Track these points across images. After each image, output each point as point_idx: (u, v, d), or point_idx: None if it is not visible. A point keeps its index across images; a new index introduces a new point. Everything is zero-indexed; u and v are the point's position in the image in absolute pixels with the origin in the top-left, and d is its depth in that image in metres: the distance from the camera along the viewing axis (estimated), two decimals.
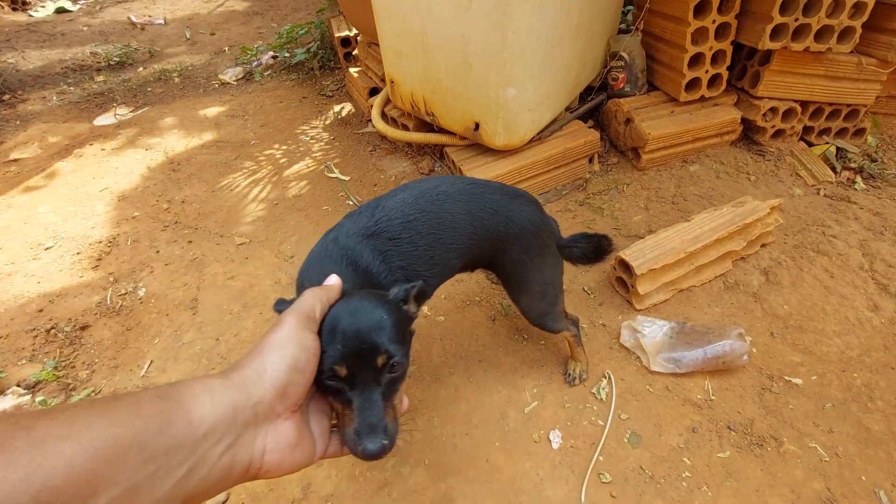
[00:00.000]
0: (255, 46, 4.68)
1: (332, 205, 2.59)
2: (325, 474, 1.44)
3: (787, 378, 1.68)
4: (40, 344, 1.89)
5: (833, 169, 2.57)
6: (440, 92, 2.33)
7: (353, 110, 3.47)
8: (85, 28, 5.59)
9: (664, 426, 1.56)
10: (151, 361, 1.80)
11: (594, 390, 1.66)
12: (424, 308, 1.95)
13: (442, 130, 2.59)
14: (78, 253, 2.34)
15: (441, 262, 1.21)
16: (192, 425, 0.47)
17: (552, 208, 2.43)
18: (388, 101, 2.90)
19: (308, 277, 1.11)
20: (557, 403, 1.62)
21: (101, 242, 2.40)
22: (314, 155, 3.02)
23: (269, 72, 4.30)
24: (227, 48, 4.90)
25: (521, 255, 1.30)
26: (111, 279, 2.18)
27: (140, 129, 3.45)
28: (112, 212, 2.62)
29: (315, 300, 0.69)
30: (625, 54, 2.55)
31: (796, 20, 2.20)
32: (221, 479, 0.51)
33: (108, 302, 2.06)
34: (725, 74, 2.46)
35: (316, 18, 4.31)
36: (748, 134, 2.66)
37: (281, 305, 0.80)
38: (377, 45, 2.93)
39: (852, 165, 2.60)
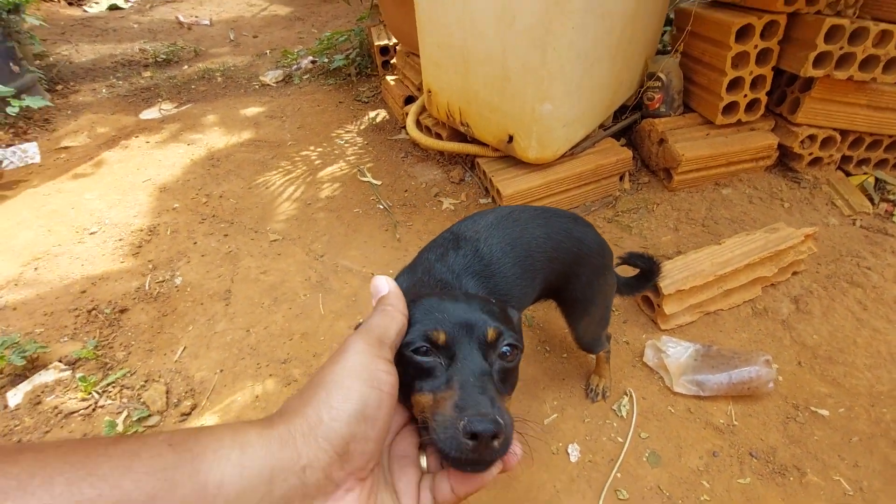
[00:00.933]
0: (296, 51, 4.83)
1: (362, 207, 2.65)
2: None
3: (813, 408, 1.65)
4: (81, 323, 1.98)
5: (871, 200, 2.52)
6: (476, 104, 2.38)
7: (387, 117, 3.56)
8: (135, 25, 5.85)
9: (684, 448, 1.55)
10: (185, 347, 1.88)
11: (615, 407, 1.66)
12: None
13: (475, 141, 2.63)
14: (120, 239, 2.45)
15: (529, 289, 1.20)
16: (206, 491, 0.34)
17: None
18: (423, 110, 2.96)
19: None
20: (577, 417, 1.63)
21: (142, 231, 2.51)
22: (348, 158, 3.10)
23: (308, 76, 4.43)
24: (268, 51, 5.07)
25: (591, 277, 1.32)
26: (150, 266, 2.27)
27: (183, 125, 3.60)
28: (154, 202, 2.74)
29: (389, 319, 0.50)
30: (662, 75, 2.56)
31: (841, 48, 2.19)
32: None
33: (147, 288, 2.15)
34: (764, 99, 2.45)
35: (356, 27, 4.44)
36: (784, 160, 2.64)
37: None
38: (416, 55, 3.01)
39: (891, 197, 2.55)
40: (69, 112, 3.80)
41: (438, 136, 2.82)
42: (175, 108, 3.92)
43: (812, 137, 2.50)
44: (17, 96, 3.29)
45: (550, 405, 1.67)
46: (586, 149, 2.51)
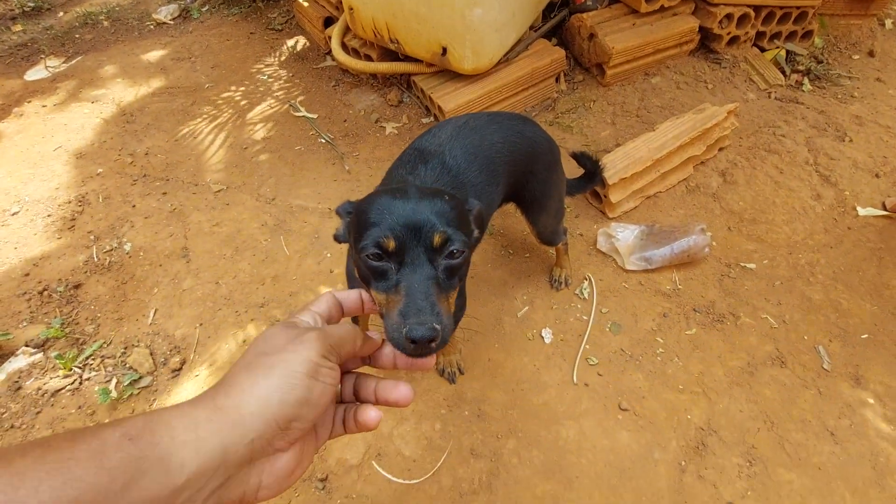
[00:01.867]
0: None
1: (303, 144, 2.57)
2: None
3: (742, 264, 1.90)
4: (36, 306, 1.89)
5: (783, 72, 2.71)
6: (403, 16, 2.28)
7: (307, 44, 3.32)
8: None
9: (640, 315, 1.76)
10: (156, 310, 1.85)
11: (577, 292, 1.83)
12: None
13: (408, 59, 2.55)
14: (49, 215, 2.27)
15: (495, 194, 1.26)
16: (171, 475, 0.39)
17: None
18: (346, 31, 2.80)
19: None
20: (546, 306, 1.80)
21: (70, 203, 2.33)
22: (275, 94, 2.92)
23: (207, 7, 3.98)
24: None
25: (545, 174, 1.40)
26: (92, 237, 2.15)
27: (79, 81, 3.21)
28: (73, 171, 2.51)
29: (349, 337, 0.55)
30: None
31: None
32: None
33: (96, 259, 2.05)
34: None
35: None
36: (705, 43, 2.75)
37: (347, 207, 0.74)
38: None
39: (800, 68, 2.75)
40: None
41: (368, 58, 2.70)
42: (63, 63, 3.46)
43: (729, 17, 2.60)
44: None
45: (521, 300, 1.82)
46: (520, 53, 2.50)
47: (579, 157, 1.76)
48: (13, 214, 2.29)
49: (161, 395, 1.62)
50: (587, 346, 1.67)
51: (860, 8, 2.93)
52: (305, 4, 3.20)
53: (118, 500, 0.36)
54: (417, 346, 0.55)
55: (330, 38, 2.81)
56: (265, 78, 3.05)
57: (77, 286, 1.96)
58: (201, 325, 1.80)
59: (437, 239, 0.63)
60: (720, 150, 2.26)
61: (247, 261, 2.00)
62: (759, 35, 2.77)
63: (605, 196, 2.01)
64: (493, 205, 1.31)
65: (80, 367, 1.70)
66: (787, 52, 2.80)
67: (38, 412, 1.56)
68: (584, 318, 1.76)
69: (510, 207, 2.09)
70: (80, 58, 3.47)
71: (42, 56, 3.52)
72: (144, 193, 2.34)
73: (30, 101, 3.04)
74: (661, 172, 2.06)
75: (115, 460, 0.37)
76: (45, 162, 2.58)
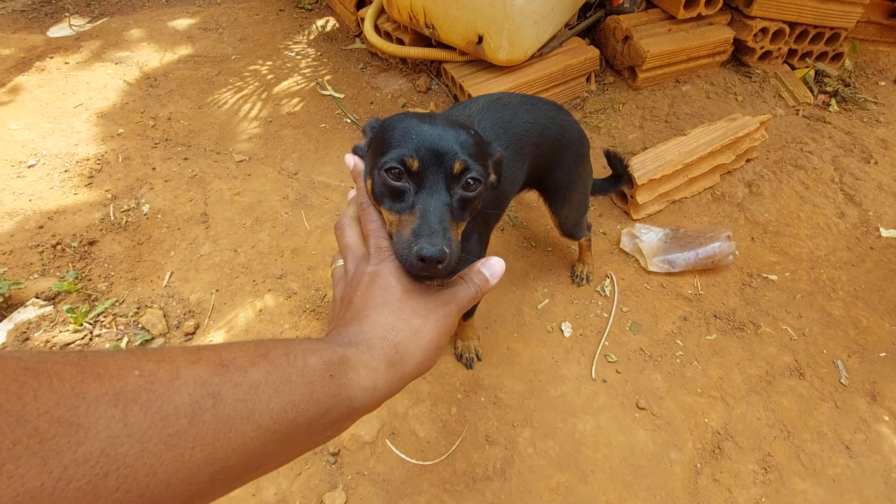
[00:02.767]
0: None
1: (329, 122, 2.55)
2: None
3: (764, 275, 1.89)
4: (48, 259, 1.86)
5: (811, 91, 2.71)
6: (442, 1, 2.27)
7: (337, 25, 3.30)
8: None
9: (660, 316, 1.75)
10: (171, 273, 1.83)
11: (598, 289, 1.82)
12: None
13: (441, 45, 2.53)
14: (66, 171, 2.24)
15: (519, 172, 1.25)
16: (351, 411, 0.47)
17: None
18: (380, 13, 2.78)
19: None
20: (566, 300, 1.78)
21: (88, 160, 2.30)
22: (303, 72, 2.90)
23: None
24: None
25: (572, 165, 1.38)
26: (109, 196, 2.12)
27: (104, 42, 3.18)
28: (93, 128, 2.49)
29: (473, 295, 0.62)
30: None
31: None
32: None
33: (113, 218, 2.02)
34: None
35: None
36: (737, 55, 2.75)
37: (374, 123, 0.75)
38: None
39: (828, 89, 2.75)
40: None
41: (400, 42, 2.68)
42: (88, 23, 3.43)
43: (764, 31, 2.60)
44: None
45: (542, 293, 1.80)
46: (554, 49, 2.49)
47: (611, 157, 1.74)
48: (30, 167, 2.26)
49: None
50: (606, 343, 1.66)
51: (892, 35, 2.94)
52: None
53: (316, 425, 0.44)
54: (425, 265, 0.57)
55: (362, 19, 2.80)
56: (293, 55, 3.03)
57: (92, 243, 1.94)
58: (217, 291, 1.77)
59: (457, 166, 0.64)
60: (748, 161, 2.26)
61: (266, 232, 1.98)
62: (791, 53, 2.77)
63: (632, 196, 2.00)
64: (517, 183, 1.29)
65: (90, 324, 1.68)
66: (816, 72, 2.81)
67: None
68: (605, 315, 1.74)
69: (534, 199, 2.09)
70: (105, 19, 3.44)
71: (66, 14, 3.49)
72: (165, 157, 2.31)
73: (52, 57, 3.01)
74: (688, 178, 2.06)
75: (321, 393, 0.44)
76: (65, 118, 2.55)
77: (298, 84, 2.80)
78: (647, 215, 2.07)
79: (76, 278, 1.76)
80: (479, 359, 1.59)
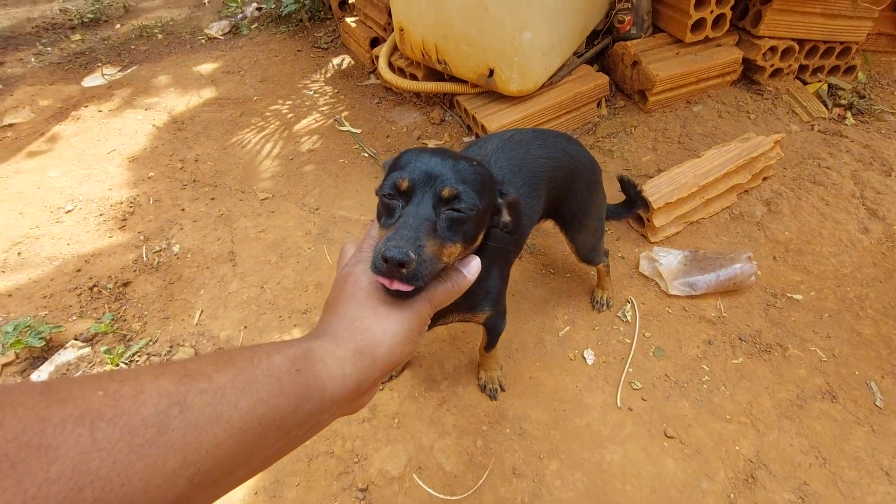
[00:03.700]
0: None
1: (347, 157, 2.63)
2: (388, 397, 1.59)
3: (788, 295, 1.87)
4: (86, 301, 1.95)
5: (825, 105, 2.70)
6: (453, 38, 2.35)
7: (352, 62, 3.43)
8: None
9: (684, 341, 1.74)
10: (202, 311, 1.89)
11: (619, 314, 1.82)
12: None
13: (453, 79, 2.61)
14: (101, 214, 2.35)
15: (536, 207, 1.29)
16: (324, 401, 0.48)
17: None
18: (394, 51, 2.89)
19: None
20: (587, 327, 1.79)
21: (122, 203, 2.42)
22: (321, 109, 3.02)
23: (257, 25, 4.16)
24: (206, 0, 4.69)
25: (584, 193, 1.42)
26: (142, 238, 2.22)
27: (134, 89, 3.37)
28: (126, 173, 2.62)
29: (450, 290, 0.65)
30: None
31: None
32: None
33: (145, 259, 2.11)
34: (729, 14, 2.53)
35: None
36: (747, 74, 2.76)
37: (390, 161, 0.78)
38: None
39: (843, 102, 2.74)
40: (0, 86, 3.47)
41: (414, 77, 2.77)
42: (119, 71, 3.64)
43: (773, 49, 2.62)
44: None
45: (562, 320, 1.81)
46: (564, 77, 2.55)
47: (624, 183, 1.77)
48: (67, 212, 2.38)
49: None
50: (630, 370, 1.65)
51: None
52: (353, 25, 3.32)
53: (289, 420, 0.45)
54: (388, 267, 0.56)
55: (377, 57, 2.91)
56: (311, 93, 3.15)
57: (126, 284, 2.02)
58: (245, 327, 1.83)
59: (446, 191, 0.66)
60: (764, 179, 2.25)
61: (290, 267, 2.04)
62: (802, 68, 2.78)
63: (649, 220, 2.01)
64: (534, 217, 1.33)
65: (126, 363, 1.74)
66: (829, 85, 2.80)
67: None
68: (627, 341, 1.74)
69: (551, 227, 2.11)
70: (135, 67, 3.65)
71: (99, 64, 3.71)
72: (193, 198, 2.42)
73: (86, 106, 3.19)
74: (705, 199, 2.06)
75: (289, 387, 0.45)
76: (99, 163, 2.69)
77: (317, 121, 2.91)
78: (665, 238, 2.07)
79: (112, 319, 1.84)
80: (502, 389, 1.60)
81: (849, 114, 2.67)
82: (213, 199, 2.41)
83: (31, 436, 0.30)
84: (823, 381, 1.62)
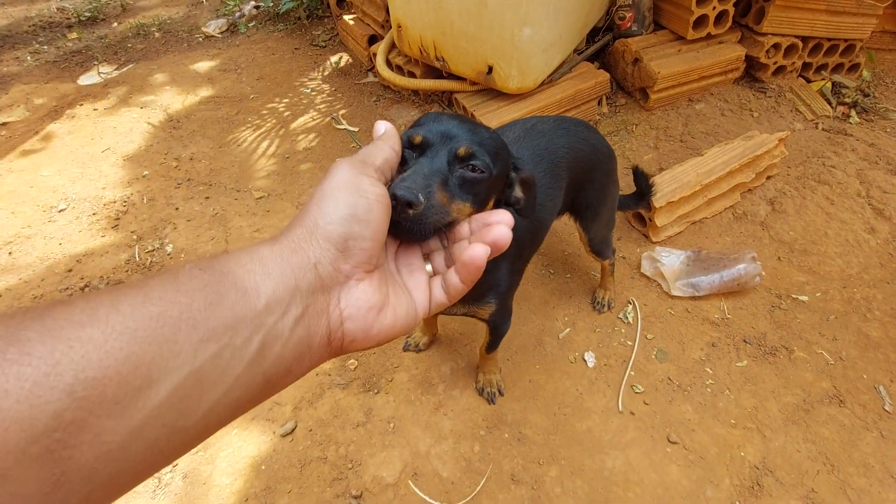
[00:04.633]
0: None
1: (345, 156, 2.58)
2: (383, 400, 1.55)
3: (794, 296, 1.83)
4: None
5: (829, 103, 2.66)
6: (452, 35, 2.31)
7: (350, 60, 3.40)
8: None
9: (687, 343, 1.70)
10: None
11: (621, 315, 1.78)
12: None
13: (451, 76, 2.57)
14: (94, 213, 2.32)
15: (557, 198, 1.26)
16: (249, 297, 0.39)
17: None
18: (391, 48, 2.85)
19: None
20: (588, 329, 1.75)
21: (115, 202, 2.38)
22: (318, 107, 2.98)
23: (254, 23, 4.12)
24: None
25: (603, 181, 1.40)
26: (135, 237, 2.18)
27: (130, 88, 3.33)
28: (120, 172, 2.58)
29: (376, 148, 0.54)
30: None
31: None
32: (303, 356, 0.43)
33: (137, 259, 2.07)
34: (732, 11, 2.49)
35: None
36: (750, 72, 2.72)
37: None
38: None
39: (847, 100, 2.70)
40: None
41: (412, 75, 2.74)
42: (115, 70, 3.60)
43: (776, 46, 2.58)
44: None
45: (562, 321, 1.77)
46: (564, 75, 2.51)
47: (638, 175, 1.74)
48: (60, 211, 2.35)
49: None
50: (632, 373, 1.61)
51: None
52: (351, 23, 3.28)
53: (204, 318, 0.36)
54: (397, 204, 0.53)
55: (374, 55, 2.87)
56: (308, 91, 3.12)
57: (118, 284, 1.98)
58: None
59: (462, 150, 0.64)
60: (768, 178, 2.21)
61: None
62: (806, 66, 2.74)
63: (651, 219, 1.97)
64: (555, 207, 1.29)
65: None
66: (834, 83, 2.76)
67: None
68: (629, 343, 1.70)
69: (556, 222, 2.08)
70: (131, 66, 3.61)
71: (95, 63, 3.67)
72: (188, 197, 2.38)
73: (81, 105, 3.15)
74: (707, 198, 2.02)
75: (191, 285, 0.37)
76: (93, 162, 2.65)
77: (314, 119, 2.87)
78: (667, 237, 2.03)
79: None
80: (501, 393, 1.56)
81: (853, 112, 2.63)
82: (207, 197, 2.37)
83: None
84: (830, 385, 1.58)
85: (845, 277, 1.88)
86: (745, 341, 1.69)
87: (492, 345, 1.42)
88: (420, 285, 0.55)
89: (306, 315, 0.43)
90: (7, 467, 0.26)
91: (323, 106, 2.98)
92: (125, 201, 2.38)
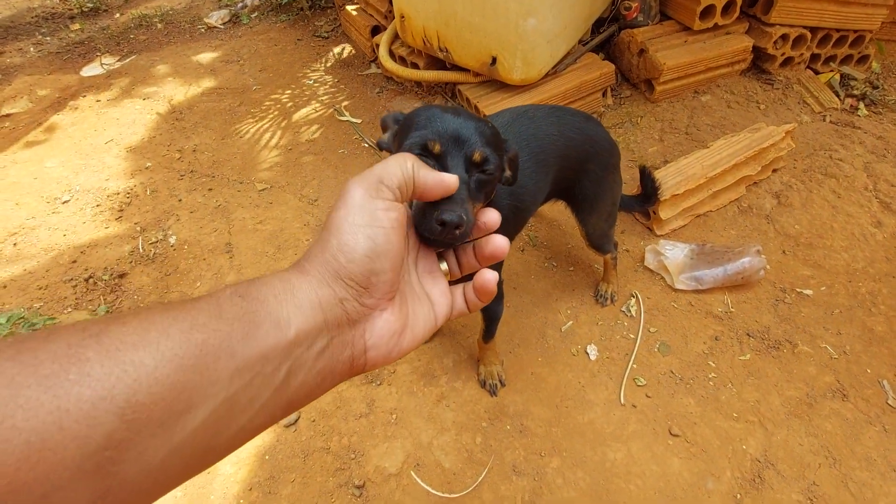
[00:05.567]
0: None
1: (347, 148, 2.59)
2: (385, 392, 1.56)
3: (798, 290, 1.82)
4: (81, 293, 1.92)
5: (837, 96, 2.63)
6: (455, 25, 2.29)
7: (353, 51, 3.38)
8: None
9: (690, 336, 1.69)
10: None
11: (624, 309, 1.78)
12: None
13: (455, 67, 2.55)
14: (98, 205, 2.32)
15: (542, 183, 1.26)
16: (281, 329, 0.41)
17: None
18: (394, 39, 2.83)
19: None
20: (591, 322, 1.74)
21: (118, 194, 2.38)
22: (321, 99, 2.97)
23: (257, 13, 4.10)
24: None
25: (600, 173, 1.38)
26: (138, 228, 2.18)
27: (133, 79, 3.32)
28: (123, 163, 2.58)
29: (394, 165, 0.52)
30: None
31: None
32: (324, 381, 0.45)
33: (141, 250, 2.08)
34: (739, 1, 2.45)
35: None
36: (757, 63, 2.69)
37: (397, 116, 0.76)
38: None
39: (855, 93, 2.66)
40: None
41: (415, 66, 2.72)
42: (118, 61, 3.59)
43: (784, 37, 2.54)
44: None
45: (565, 314, 1.77)
46: (568, 66, 2.49)
47: (644, 175, 1.73)
48: (64, 202, 2.35)
49: None
50: (634, 366, 1.61)
51: None
52: (354, 13, 3.26)
53: (242, 348, 0.38)
54: (444, 230, 0.56)
55: (377, 45, 2.85)
56: (311, 83, 3.10)
57: (122, 275, 1.99)
58: None
59: (477, 155, 0.67)
60: (774, 171, 2.19)
61: (288, 259, 2.00)
62: (814, 57, 2.70)
63: (655, 212, 1.96)
64: (540, 192, 1.29)
65: None
66: (842, 75, 2.72)
67: None
68: (631, 336, 1.70)
69: (556, 216, 2.07)
70: (134, 57, 3.60)
71: (98, 54, 3.66)
72: (191, 188, 2.38)
73: (85, 96, 3.15)
74: (712, 191, 2.00)
75: (232, 313, 0.39)
76: (96, 153, 2.66)
77: (317, 111, 2.86)
78: (672, 230, 2.02)
79: (107, 311, 1.81)
80: (502, 384, 1.56)
81: (862, 104, 2.60)
82: (210, 189, 2.37)
83: None
84: (834, 379, 1.57)
85: (851, 271, 1.86)
86: (748, 335, 1.69)
87: (487, 331, 1.43)
88: (442, 291, 0.57)
89: (331, 346, 0.45)
90: (64, 479, 0.29)
91: (326, 97, 2.97)
92: (129, 193, 2.38)
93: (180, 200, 2.32)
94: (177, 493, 1.39)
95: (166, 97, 3.08)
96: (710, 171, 1.94)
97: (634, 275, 1.89)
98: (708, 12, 2.48)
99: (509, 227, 1.26)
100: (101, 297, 1.91)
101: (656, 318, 1.74)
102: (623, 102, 2.63)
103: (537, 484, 1.36)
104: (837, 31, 2.59)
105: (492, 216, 0.62)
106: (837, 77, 2.70)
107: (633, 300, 1.80)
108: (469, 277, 0.59)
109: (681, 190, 1.89)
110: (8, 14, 4.39)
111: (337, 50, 3.41)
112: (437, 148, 0.65)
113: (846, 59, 2.74)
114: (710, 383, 1.57)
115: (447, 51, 2.44)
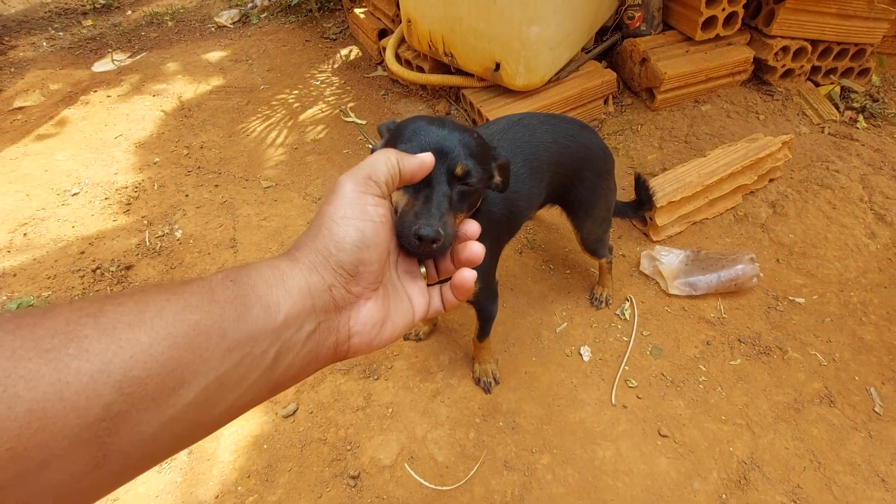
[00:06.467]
0: None
1: (351, 148, 2.63)
2: (382, 386, 1.60)
3: (790, 298, 1.85)
4: (89, 283, 1.97)
5: (837, 108, 2.66)
6: (461, 31, 2.34)
7: (360, 54, 3.43)
8: None
9: (682, 340, 1.72)
10: None
11: (618, 312, 1.81)
12: None
13: (459, 72, 2.60)
14: (106, 198, 2.37)
15: (536, 189, 1.30)
16: (271, 312, 0.43)
17: None
18: (401, 43, 2.88)
19: None
20: (585, 324, 1.78)
21: (127, 188, 2.43)
22: (327, 99, 3.02)
23: (266, 14, 4.16)
24: None
25: (594, 180, 1.42)
26: (145, 222, 2.23)
27: (143, 76, 3.38)
28: (132, 158, 2.63)
29: (381, 161, 0.54)
30: None
31: None
32: (309, 364, 0.48)
33: (148, 243, 2.13)
34: (741, 13, 2.49)
35: None
36: (758, 74, 2.72)
37: (389, 125, 0.80)
38: None
39: (855, 105, 2.69)
40: (12, 70, 3.50)
41: (420, 70, 2.76)
42: (129, 57, 3.66)
43: (785, 49, 2.58)
44: None
45: (560, 316, 1.81)
46: (571, 73, 2.53)
47: (639, 183, 1.76)
48: (74, 195, 2.41)
49: None
50: (626, 368, 1.65)
51: None
52: (362, 16, 3.31)
53: (233, 329, 0.40)
54: (422, 244, 0.60)
55: (384, 48, 2.90)
56: (318, 83, 3.15)
57: (128, 267, 2.04)
58: None
59: (459, 168, 0.70)
60: (771, 180, 2.22)
61: None
62: (815, 69, 2.74)
63: (651, 219, 1.99)
64: (534, 197, 1.33)
65: None
66: (842, 88, 2.76)
67: None
68: (625, 339, 1.73)
69: (553, 221, 2.10)
70: (144, 54, 3.66)
71: (109, 50, 3.73)
72: (197, 184, 2.43)
73: (95, 91, 3.21)
74: (709, 199, 2.04)
75: (224, 296, 0.41)
76: (106, 148, 2.71)
77: (323, 112, 2.91)
78: (668, 237, 2.06)
79: None
80: (496, 382, 1.60)
81: (861, 117, 2.63)
82: (216, 185, 2.42)
83: None
84: (822, 386, 1.60)
85: (843, 281, 1.89)
86: (739, 340, 1.72)
87: (482, 330, 1.47)
88: (420, 291, 0.61)
89: (318, 331, 0.47)
90: (63, 447, 0.30)
91: (332, 98, 3.02)
92: (137, 187, 2.43)
93: (187, 196, 2.37)
94: (176, 478, 1.43)
95: (175, 94, 3.13)
96: (707, 179, 1.98)
97: (630, 279, 1.92)
98: (710, 23, 2.52)
99: (503, 231, 1.30)
100: (108, 287, 1.95)
101: (650, 322, 1.78)
102: (624, 110, 2.67)
103: (527, 479, 1.40)
104: (838, 44, 2.63)
105: (471, 227, 0.66)
106: (838, 89, 2.74)
107: (628, 304, 1.83)
108: (447, 280, 0.63)
109: (677, 197, 1.93)
110: (21, 8, 4.47)
111: (344, 52, 3.46)
112: None
113: (847, 72, 2.77)
114: (701, 386, 1.60)
115: (452, 56, 2.48)
